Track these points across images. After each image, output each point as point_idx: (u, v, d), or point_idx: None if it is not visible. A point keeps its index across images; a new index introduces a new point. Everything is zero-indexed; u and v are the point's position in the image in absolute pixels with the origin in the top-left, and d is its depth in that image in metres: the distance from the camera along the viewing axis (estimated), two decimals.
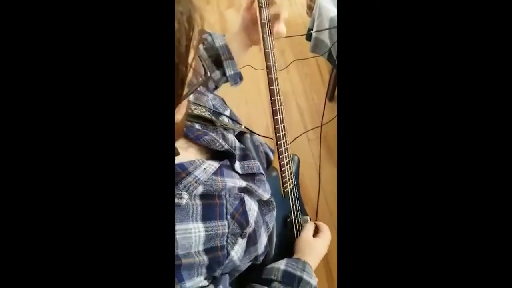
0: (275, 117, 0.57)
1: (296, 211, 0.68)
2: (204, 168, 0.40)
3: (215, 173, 0.42)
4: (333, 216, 1.42)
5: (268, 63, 0.55)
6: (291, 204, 0.66)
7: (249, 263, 0.52)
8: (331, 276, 1.31)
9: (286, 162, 0.62)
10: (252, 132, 0.62)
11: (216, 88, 0.69)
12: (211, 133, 0.47)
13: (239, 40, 0.64)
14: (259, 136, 0.64)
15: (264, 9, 0.54)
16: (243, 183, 0.45)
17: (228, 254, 0.42)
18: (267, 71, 0.55)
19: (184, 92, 0.32)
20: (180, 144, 0.44)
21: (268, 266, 0.56)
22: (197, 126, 0.49)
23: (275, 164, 0.62)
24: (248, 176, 0.49)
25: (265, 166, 0.62)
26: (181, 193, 0.37)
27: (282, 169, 0.61)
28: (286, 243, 0.64)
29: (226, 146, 0.46)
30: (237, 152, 0.50)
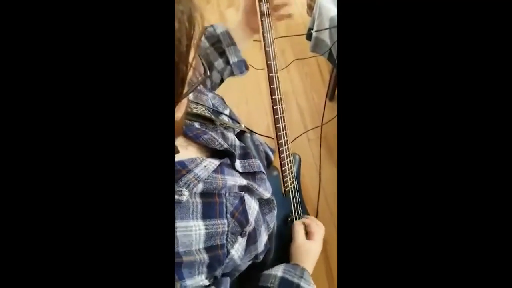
0: (275, 116, 0.57)
1: (297, 211, 0.68)
2: (205, 166, 0.40)
3: (215, 171, 0.42)
4: (333, 216, 1.42)
5: (268, 62, 0.55)
6: (292, 204, 0.66)
7: (250, 262, 0.52)
8: (331, 275, 1.31)
9: (287, 161, 0.62)
10: (251, 132, 0.62)
11: (222, 80, 0.67)
12: (210, 132, 0.47)
13: (241, 28, 0.63)
14: (259, 136, 0.64)
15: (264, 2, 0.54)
16: (243, 181, 0.45)
17: (228, 252, 0.42)
18: (267, 70, 0.55)
19: (184, 91, 0.32)
20: (179, 142, 0.44)
21: (265, 273, 0.55)
22: (197, 124, 0.49)
23: (276, 163, 0.62)
24: (248, 174, 0.49)
25: (265, 165, 0.62)
26: (181, 190, 0.37)
27: (283, 168, 0.61)
28: (287, 242, 0.64)
29: (225, 145, 0.46)
30: (237, 151, 0.50)
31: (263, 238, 0.50)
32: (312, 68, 1.93)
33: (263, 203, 0.51)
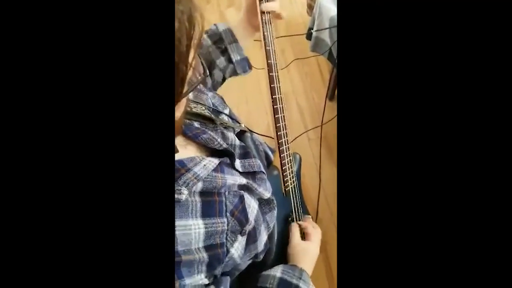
0: (276, 116, 0.57)
1: (297, 210, 0.68)
2: (204, 165, 0.40)
3: (215, 170, 0.42)
4: (333, 216, 1.42)
5: (269, 61, 0.55)
6: (292, 203, 0.66)
7: (250, 261, 0.52)
8: (331, 275, 1.31)
9: (287, 161, 0.62)
10: (251, 131, 0.62)
11: (224, 79, 0.67)
12: (209, 132, 0.47)
13: (243, 26, 0.63)
14: (259, 135, 0.64)
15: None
16: (243, 181, 0.45)
17: (228, 251, 0.42)
18: (268, 69, 0.55)
19: (184, 91, 0.32)
20: (178, 141, 0.44)
21: (264, 273, 0.55)
22: (196, 124, 0.48)
23: (276, 163, 0.62)
24: (248, 174, 0.49)
25: (265, 164, 0.62)
26: (180, 189, 0.37)
27: (283, 168, 0.61)
28: (287, 242, 0.64)
29: (225, 145, 0.46)
30: (237, 151, 0.50)
31: (263, 237, 0.50)
32: (312, 68, 1.93)
33: (263, 203, 0.51)
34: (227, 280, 0.45)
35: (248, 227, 0.45)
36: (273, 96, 0.56)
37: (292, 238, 0.63)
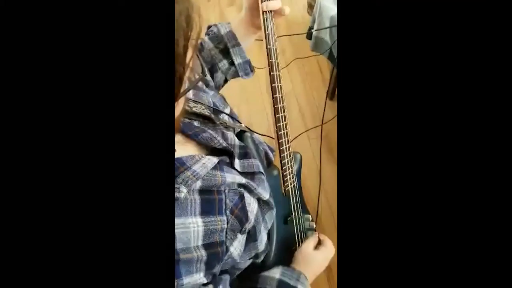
0: (276, 115, 0.57)
1: (297, 210, 0.68)
2: (203, 163, 0.40)
3: (214, 168, 0.42)
4: (333, 215, 1.42)
5: (270, 60, 0.55)
6: (292, 203, 0.66)
7: (249, 261, 0.51)
8: (331, 275, 1.31)
9: (288, 160, 0.62)
10: (251, 131, 0.61)
11: (226, 81, 0.67)
12: (209, 131, 0.47)
13: (244, 26, 0.63)
14: (259, 135, 0.64)
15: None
16: (242, 180, 0.45)
17: (227, 250, 0.42)
18: (269, 68, 0.55)
19: (181, 90, 0.32)
20: (176, 140, 0.43)
21: (263, 274, 0.55)
22: (196, 123, 0.48)
23: (276, 162, 0.62)
24: (247, 174, 0.49)
25: (265, 164, 0.62)
26: (179, 187, 0.37)
27: (283, 168, 0.61)
28: (287, 242, 0.64)
29: (224, 144, 0.46)
30: (236, 151, 0.50)
31: (263, 237, 0.50)
32: (313, 67, 1.93)
33: (262, 203, 0.51)
34: (226, 280, 0.45)
35: (248, 226, 0.45)
36: (274, 96, 0.56)
37: (306, 244, 0.63)
